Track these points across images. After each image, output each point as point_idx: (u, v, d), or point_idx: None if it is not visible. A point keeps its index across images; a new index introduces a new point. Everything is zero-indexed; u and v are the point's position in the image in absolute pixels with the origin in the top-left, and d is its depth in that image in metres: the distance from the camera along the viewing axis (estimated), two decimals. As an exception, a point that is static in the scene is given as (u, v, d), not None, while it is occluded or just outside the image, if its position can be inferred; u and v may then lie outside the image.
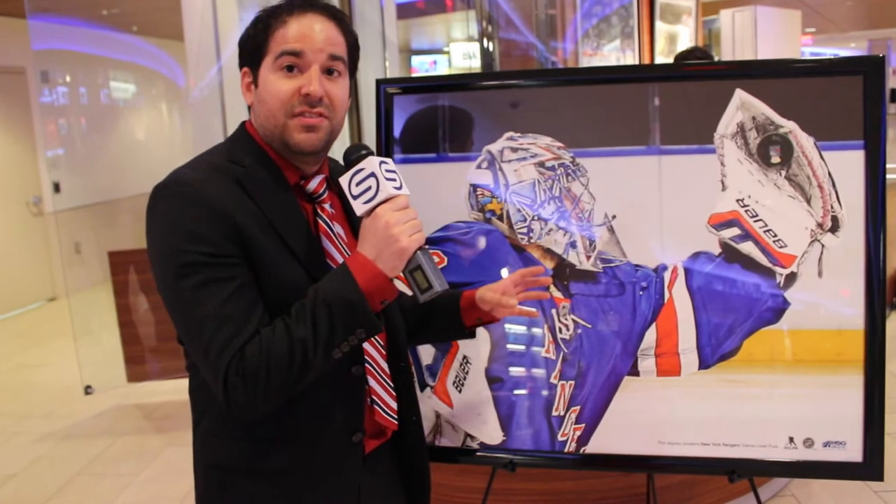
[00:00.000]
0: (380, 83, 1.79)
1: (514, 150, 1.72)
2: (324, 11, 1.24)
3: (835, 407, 1.63)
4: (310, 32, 1.21)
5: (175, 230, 1.13)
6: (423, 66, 10.85)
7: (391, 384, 1.35)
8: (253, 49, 1.24)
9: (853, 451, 1.62)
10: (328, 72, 1.23)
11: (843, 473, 1.64)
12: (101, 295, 4.33)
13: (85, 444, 3.86)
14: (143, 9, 6.19)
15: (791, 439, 1.64)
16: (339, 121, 1.26)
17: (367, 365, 1.30)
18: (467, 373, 1.75)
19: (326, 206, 1.30)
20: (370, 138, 3.00)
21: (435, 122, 1.78)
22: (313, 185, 1.28)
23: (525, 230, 1.71)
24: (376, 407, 1.32)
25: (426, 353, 1.77)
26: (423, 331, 1.54)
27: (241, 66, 1.28)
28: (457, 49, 9.64)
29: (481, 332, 1.73)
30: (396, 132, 1.79)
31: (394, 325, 1.38)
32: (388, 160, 1.20)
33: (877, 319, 1.60)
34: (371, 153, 1.21)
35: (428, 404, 1.77)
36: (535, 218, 1.70)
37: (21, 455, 3.79)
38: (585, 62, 4.80)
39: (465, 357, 1.74)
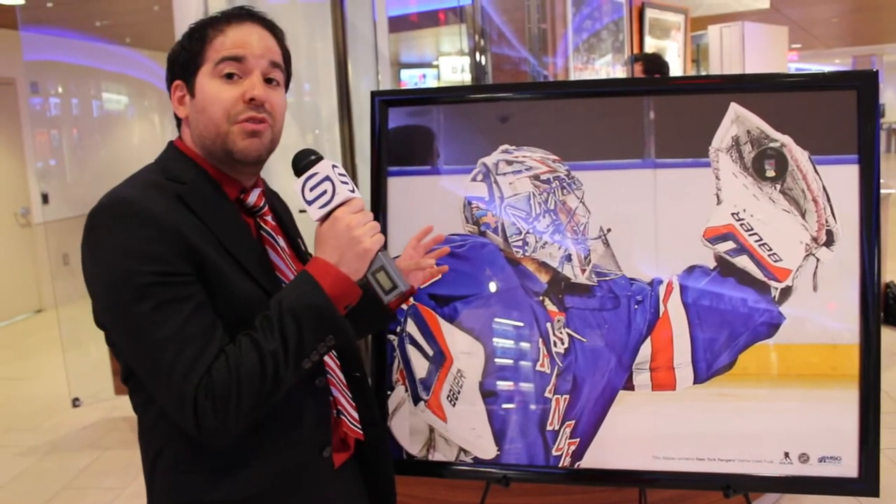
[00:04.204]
0: (374, 95, 1.79)
1: (509, 162, 1.71)
2: (262, 21, 1.24)
3: (830, 422, 1.62)
4: (250, 39, 1.20)
5: (124, 252, 1.07)
6: (412, 80, 10.86)
7: (349, 394, 1.34)
8: (187, 60, 1.20)
9: (849, 467, 1.62)
10: (267, 81, 1.21)
11: (838, 489, 1.64)
12: (90, 307, 4.28)
13: (71, 458, 3.81)
14: (136, 21, 6.19)
15: (787, 454, 1.64)
16: (278, 129, 1.25)
17: (328, 376, 1.28)
18: (461, 387, 1.73)
19: (268, 218, 1.29)
20: (363, 151, 3.00)
21: (430, 134, 1.77)
22: (253, 198, 1.26)
23: (520, 243, 1.70)
24: (343, 417, 1.30)
25: (420, 366, 1.76)
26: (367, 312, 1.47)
27: (172, 79, 1.23)
28: (446, 63, 9.66)
29: (475, 345, 1.72)
30: (391, 145, 1.79)
31: None
32: (338, 164, 1.20)
33: (871, 334, 1.60)
34: (321, 158, 1.20)
35: (422, 418, 1.75)
36: (530, 231, 1.70)
37: (5, 469, 3.74)
38: (576, 76, 4.82)
39: (459, 371, 1.73)
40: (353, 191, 1.18)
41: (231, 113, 1.18)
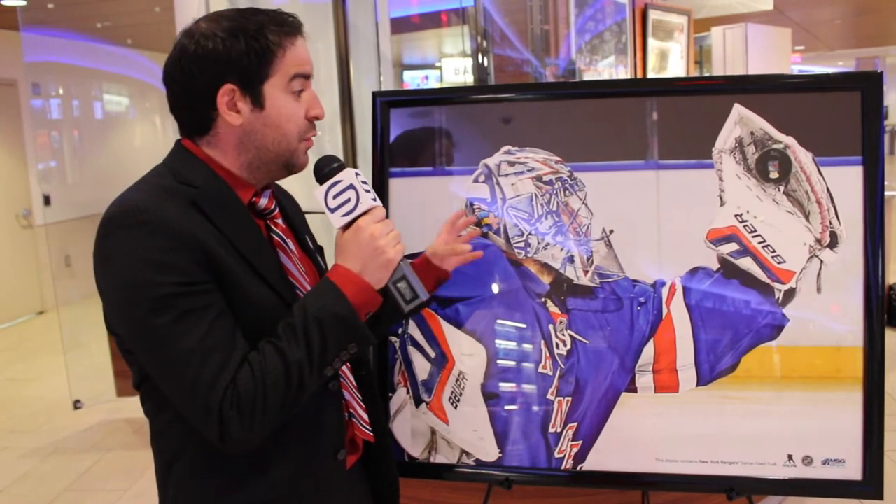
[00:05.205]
0: (376, 96, 1.78)
1: (512, 163, 1.71)
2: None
3: (834, 424, 1.61)
4: (308, 54, 1.19)
5: (141, 262, 1.04)
6: (414, 82, 10.85)
7: (360, 395, 1.34)
8: (254, 65, 1.12)
9: (852, 469, 1.61)
10: None
11: (842, 491, 1.63)
12: (91, 308, 4.28)
13: (73, 460, 3.81)
14: (138, 22, 6.19)
15: (790, 457, 1.63)
16: None
17: (340, 379, 1.28)
18: (463, 389, 1.73)
19: (279, 220, 1.27)
20: (365, 152, 2.99)
21: (432, 135, 1.77)
22: (264, 201, 1.24)
23: (522, 245, 1.70)
24: (354, 420, 1.30)
25: (421, 368, 1.75)
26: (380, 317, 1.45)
27: (219, 81, 1.12)
28: (448, 64, 9.66)
29: (477, 347, 1.71)
30: (393, 146, 1.78)
31: None
32: (361, 172, 1.19)
33: (876, 336, 1.59)
34: (344, 165, 1.19)
35: (423, 420, 1.75)
36: (532, 232, 1.69)
37: (7, 471, 3.74)
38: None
39: (461, 373, 1.72)
40: (375, 199, 1.17)
41: (302, 130, 1.19)
